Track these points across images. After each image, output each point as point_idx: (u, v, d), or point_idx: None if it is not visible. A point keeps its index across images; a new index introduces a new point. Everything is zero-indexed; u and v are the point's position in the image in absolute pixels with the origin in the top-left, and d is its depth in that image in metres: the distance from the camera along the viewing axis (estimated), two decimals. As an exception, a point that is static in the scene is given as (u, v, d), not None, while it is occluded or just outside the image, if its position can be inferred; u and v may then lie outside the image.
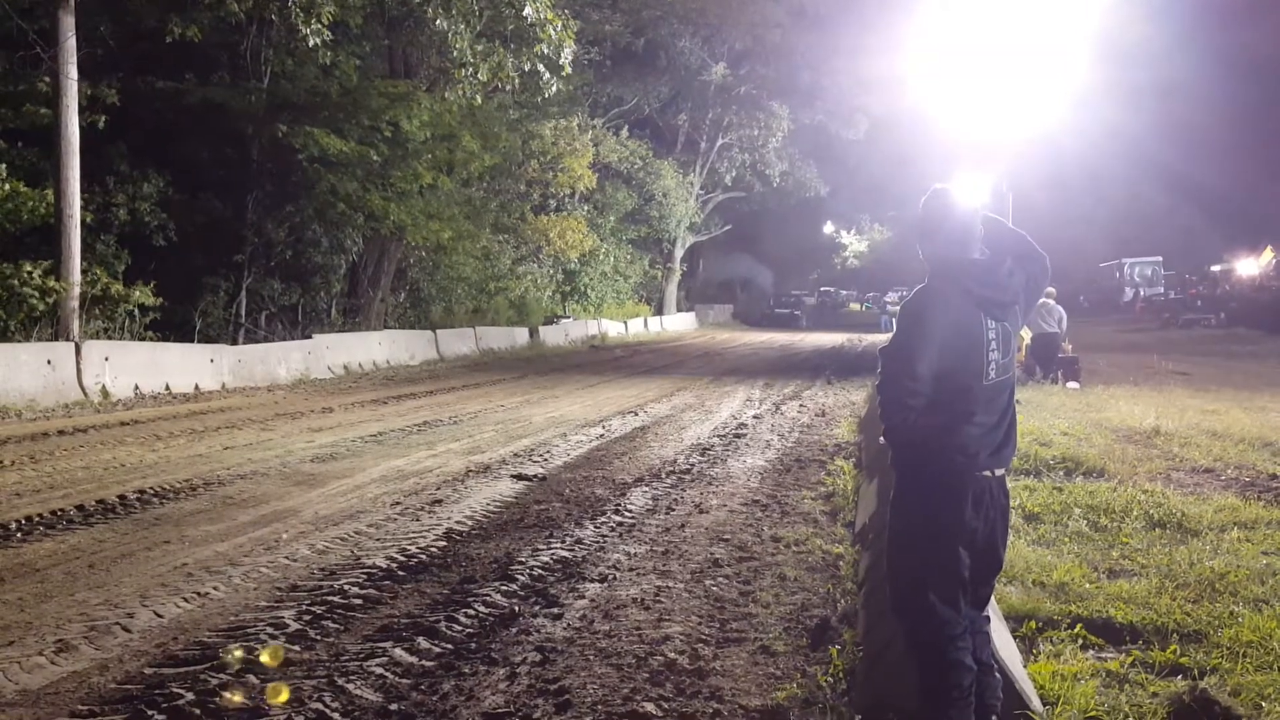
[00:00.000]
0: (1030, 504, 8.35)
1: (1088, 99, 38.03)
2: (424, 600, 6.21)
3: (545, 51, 21.46)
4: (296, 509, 8.68)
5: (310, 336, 23.51)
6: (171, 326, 21.63)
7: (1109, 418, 13.91)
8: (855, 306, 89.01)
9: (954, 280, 4.04)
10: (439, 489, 9.66)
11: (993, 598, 4.90)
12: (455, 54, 22.38)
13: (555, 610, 6.01)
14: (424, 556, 7.17)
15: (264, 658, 5.16)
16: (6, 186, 18.08)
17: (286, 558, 7.09)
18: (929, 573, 3.96)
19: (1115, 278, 59.44)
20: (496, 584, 6.49)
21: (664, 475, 10.53)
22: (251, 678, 4.91)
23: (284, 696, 4.70)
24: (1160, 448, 11.55)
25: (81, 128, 17.93)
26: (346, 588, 6.38)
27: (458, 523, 8.25)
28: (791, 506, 9.11)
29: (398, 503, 9.01)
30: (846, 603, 6.13)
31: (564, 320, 39.45)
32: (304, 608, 5.98)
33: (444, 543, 7.58)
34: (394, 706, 4.64)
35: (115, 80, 20.62)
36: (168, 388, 17.53)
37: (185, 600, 6.13)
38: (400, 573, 6.76)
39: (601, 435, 13.44)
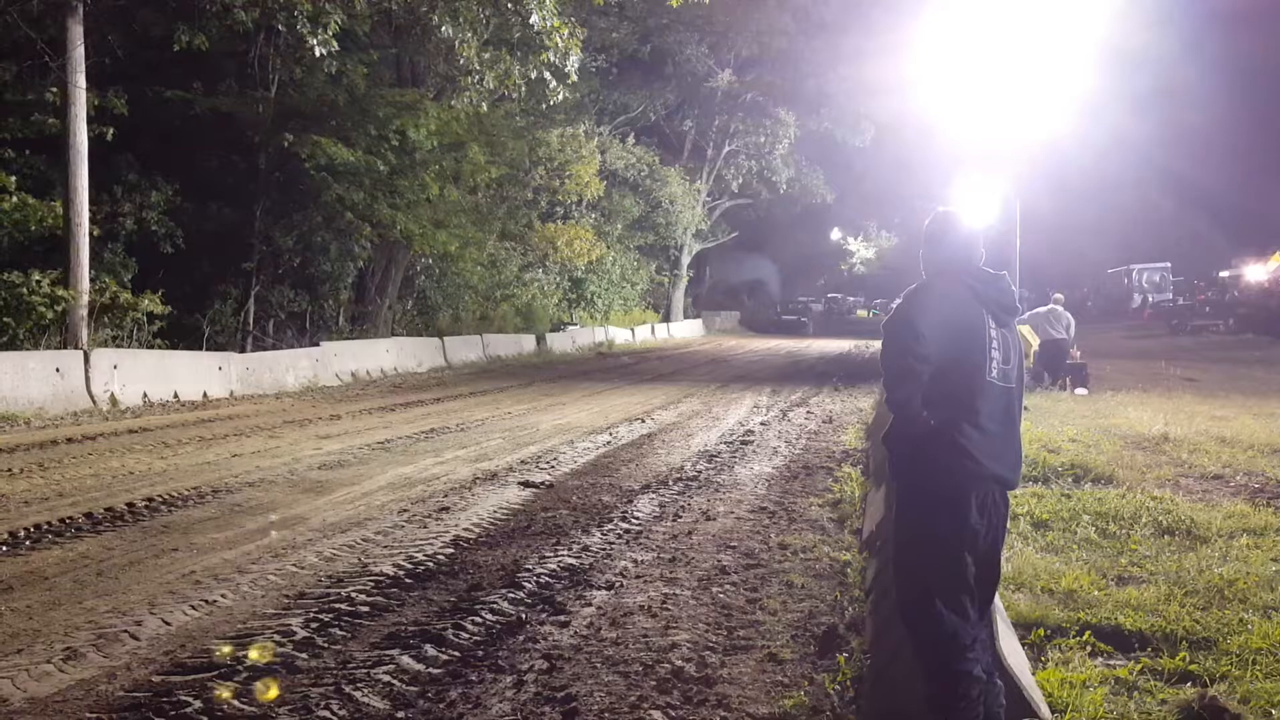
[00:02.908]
0: (1039, 511, 8.33)
1: (1094, 105, 38.05)
2: (431, 608, 6.21)
3: (552, 59, 21.49)
4: (304, 517, 8.68)
5: (318, 344, 23.56)
6: (180, 334, 21.68)
7: (1117, 424, 13.88)
8: (862, 313, 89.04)
9: (956, 277, 4.13)
10: (446, 496, 9.66)
11: (1001, 605, 4.90)
12: (462, 62, 22.46)
13: (562, 618, 6.01)
14: (431, 564, 7.17)
15: (262, 658, 5.17)
16: (14, 198, 18.13)
17: (294, 565, 7.09)
18: (934, 579, 3.97)
19: (1123, 284, 59.39)
20: (504, 591, 6.48)
21: (671, 482, 10.52)
22: (259, 685, 4.92)
23: (286, 701, 4.71)
24: (1169, 454, 11.52)
25: (90, 137, 17.99)
26: (354, 595, 6.38)
27: (465, 530, 8.25)
28: (799, 514, 9.10)
29: (405, 510, 9.01)
30: (854, 610, 6.12)
31: (571, 327, 39.48)
32: (311, 615, 5.98)
33: (451, 550, 7.58)
34: (401, 714, 4.64)
35: (123, 89, 20.69)
36: (176, 395, 17.56)
37: (193, 608, 6.13)
38: (407, 580, 6.76)
39: (609, 442, 13.44)
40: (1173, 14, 44.50)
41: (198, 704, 4.70)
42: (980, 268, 4.21)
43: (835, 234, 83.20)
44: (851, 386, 22.31)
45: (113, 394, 16.37)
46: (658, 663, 5.28)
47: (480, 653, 5.42)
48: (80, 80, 17.68)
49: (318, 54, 19.32)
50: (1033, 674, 4.67)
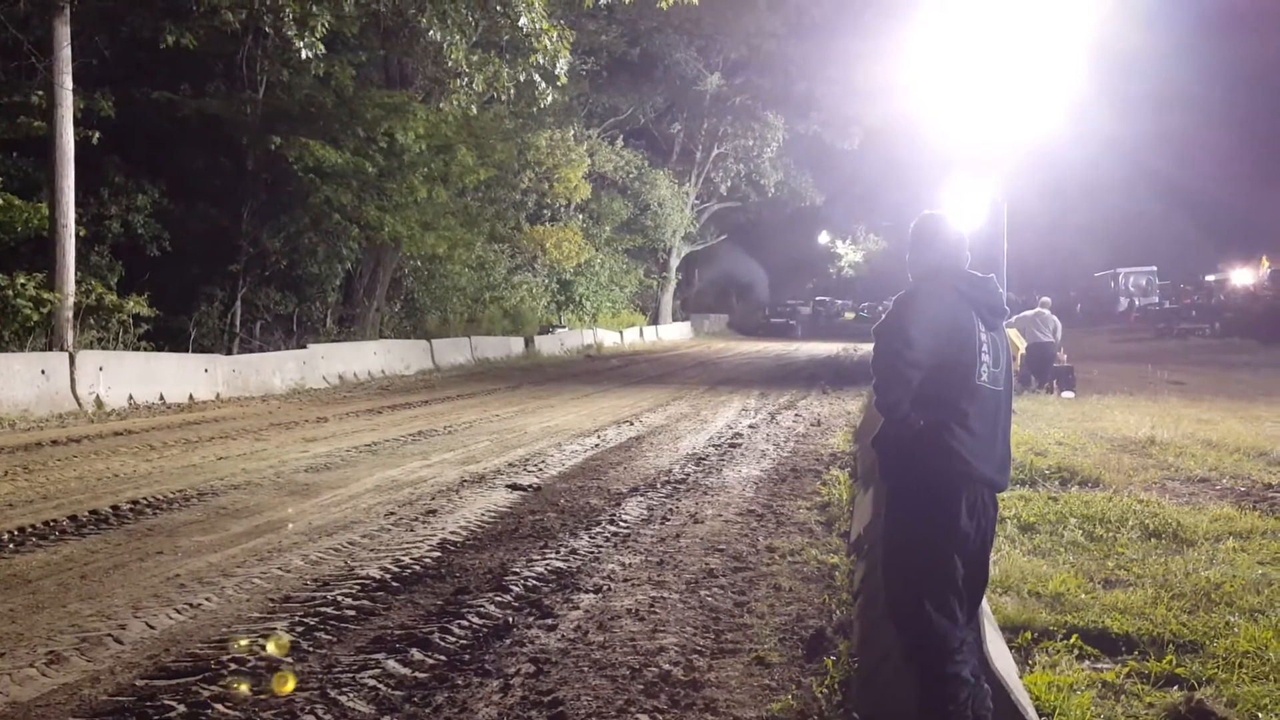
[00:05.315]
0: (1025, 514, 8.34)
1: (1084, 109, 38.17)
2: (417, 611, 6.18)
3: (541, 62, 21.45)
4: (290, 519, 8.64)
5: (305, 346, 23.48)
6: (166, 336, 21.60)
7: (1104, 427, 13.91)
8: (850, 316, 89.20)
9: (945, 282, 4.14)
10: (433, 499, 9.63)
11: (988, 608, 4.90)
12: (451, 64, 22.39)
13: (549, 621, 5.99)
14: (418, 567, 7.14)
15: (247, 662, 5.14)
16: (0, 200, 18.04)
17: (279, 568, 7.06)
18: (924, 581, 3.97)
19: (1110, 287, 59.45)
20: (490, 595, 6.46)
21: (659, 485, 10.50)
22: (243, 689, 4.89)
23: (271, 705, 4.68)
24: (1155, 457, 11.55)
25: (76, 140, 17.91)
26: (340, 599, 6.35)
27: (452, 533, 8.22)
28: (787, 516, 9.09)
29: (392, 513, 8.98)
30: (842, 613, 6.11)
31: (559, 330, 39.43)
32: (297, 619, 5.95)
33: (438, 553, 7.56)
34: (386, 718, 4.61)
35: (110, 91, 20.61)
36: (162, 398, 17.48)
37: (177, 611, 6.10)
38: (394, 583, 6.74)
39: (596, 445, 13.42)
40: (1162, 17, 44.67)
41: (181, 708, 4.67)
42: (968, 271, 4.22)
43: (824, 237, 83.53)
44: (839, 389, 22.32)
45: (98, 396, 16.29)
46: (645, 666, 5.26)
47: (467, 657, 5.40)
48: (67, 81, 17.61)
49: (304, 56, 19.25)
50: (1020, 677, 4.67)
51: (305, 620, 5.92)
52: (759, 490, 10.38)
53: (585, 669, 5.24)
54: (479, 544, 7.90)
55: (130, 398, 16.92)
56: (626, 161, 48.26)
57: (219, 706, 4.70)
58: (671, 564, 7.33)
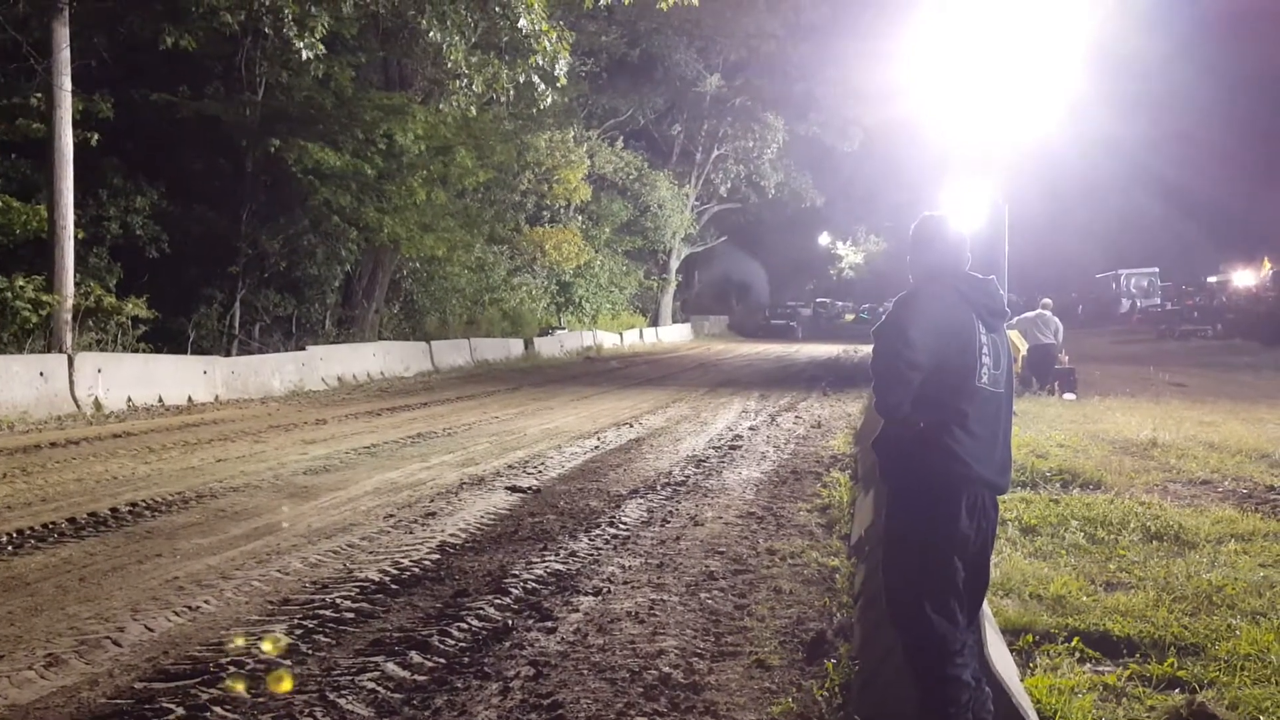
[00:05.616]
0: (1027, 516, 8.33)
1: (1085, 110, 38.15)
2: (416, 614, 6.16)
3: (540, 63, 21.42)
4: (289, 522, 8.63)
5: (304, 348, 23.43)
6: (165, 338, 21.56)
7: (1106, 429, 13.90)
8: (850, 317, 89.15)
9: (945, 283, 4.13)
10: (432, 501, 9.61)
11: (989, 610, 4.88)
12: (450, 65, 22.38)
13: (549, 624, 5.97)
14: (417, 569, 7.13)
15: (246, 664, 5.12)
16: (-1, 202, 18.06)
17: (278, 571, 7.04)
18: (924, 584, 3.95)
19: (1112, 289, 59.45)
20: (490, 597, 6.44)
21: (659, 487, 10.49)
22: (242, 691, 4.87)
23: (270, 709, 4.66)
24: (1157, 459, 11.54)
25: (75, 141, 17.89)
26: (338, 601, 6.34)
27: (451, 535, 8.20)
28: (787, 519, 9.08)
29: (391, 515, 8.97)
30: (842, 616, 6.10)
31: (559, 332, 39.37)
32: (295, 621, 5.93)
33: (437, 555, 7.54)
34: (385, 722, 4.60)
35: (109, 93, 20.59)
36: (161, 400, 17.45)
37: (176, 614, 6.08)
38: (393, 586, 6.72)
39: (596, 447, 13.40)
40: (1164, 19, 44.67)
41: (180, 711, 4.65)
42: (969, 272, 4.20)
43: (824, 238, 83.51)
44: (840, 391, 22.31)
45: (97, 398, 16.27)
46: (645, 669, 5.25)
47: (466, 659, 5.39)
48: (65, 83, 17.59)
49: (304, 57, 19.24)
50: (1021, 680, 4.65)
51: (304, 623, 5.91)
52: (759, 492, 10.37)
53: (585, 672, 5.22)
54: (478, 546, 7.88)
55: (129, 400, 16.89)
56: (626, 163, 48.25)
57: (218, 709, 4.68)
58: (671, 566, 7.32)
